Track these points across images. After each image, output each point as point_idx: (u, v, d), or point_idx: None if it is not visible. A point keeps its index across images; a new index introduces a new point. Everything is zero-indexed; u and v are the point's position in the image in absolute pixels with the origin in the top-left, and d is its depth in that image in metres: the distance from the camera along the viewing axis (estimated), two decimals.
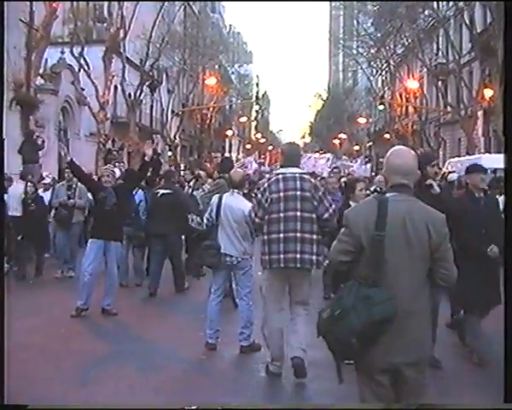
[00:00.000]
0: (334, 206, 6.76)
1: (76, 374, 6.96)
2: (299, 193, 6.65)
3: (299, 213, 6.61)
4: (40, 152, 20.87)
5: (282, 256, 6.60)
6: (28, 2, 22.66)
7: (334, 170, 19.93)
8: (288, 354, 6.75)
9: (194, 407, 4.84)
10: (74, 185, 12.81)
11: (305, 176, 6.92)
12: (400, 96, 48.92)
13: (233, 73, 69.92)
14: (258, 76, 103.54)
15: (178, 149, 49.26)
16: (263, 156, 33.91)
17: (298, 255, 6.58)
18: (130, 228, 11.37)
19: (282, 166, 7.09)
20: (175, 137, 45.93)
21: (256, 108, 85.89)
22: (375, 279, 3.81)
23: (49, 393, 6.28)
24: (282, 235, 6.62)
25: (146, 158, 10.17)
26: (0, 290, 4.19)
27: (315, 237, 6.62)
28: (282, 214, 6.66)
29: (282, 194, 6.69)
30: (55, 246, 13.69)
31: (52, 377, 6.81)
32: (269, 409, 5.71)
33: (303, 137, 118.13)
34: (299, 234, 6.60)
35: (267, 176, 7.68)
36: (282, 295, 6.93)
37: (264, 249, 6.74)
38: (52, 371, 7.02)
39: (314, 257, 6.62)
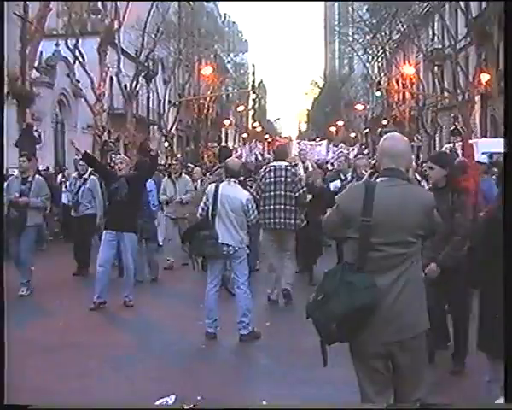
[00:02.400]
0: (304, 188, 9.83)
1: (75, 365, 7.01)
2: (283, 179, 9.59)
3: (283, 192, 9.53)
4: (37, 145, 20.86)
5: (272, 221, 9.56)
6: None
7: (340, 155, 20.19)
8: (281, 287, 9.68)
9: (190, 406, 4.89)
10: (30, 178, 10.64)
11: (289, 167, 9.86)
12: (397, 82, 48.85)
13: (229, 62, 69.85)
14: (254, 65, 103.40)
15: (175, 139, 49.22)
16: (261, 146, 33.86)
17: (283, 220, 9.56)
18: (140, 220, 11.04)
19: (274, 160, 10.16)
20: (171, 127, 45.86)
21: (253, 96, 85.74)
22: (360, 265, 3.81)
23: (44, 385, 6.32)
24: (272, 207, 9.54)
25: (152, 153, 10.86)
26: (0, 290, 4.20)
27: (293, 208, 9.56)
28: (272, 193, 9.57)
29: (272, 179, 9.62)
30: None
31: (52, 370, 6.86)
32: (269, 409, 5.74)
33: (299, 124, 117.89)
34: (283, 206, 9.53)
35: (264, 166, 10.61)
36: (276, 246, 9.90)
37: (262, 216, 9.33)
38: (50, 364, 7.07)
39: (293, 221, 9.60)
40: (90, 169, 12.04)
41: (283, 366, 6.92)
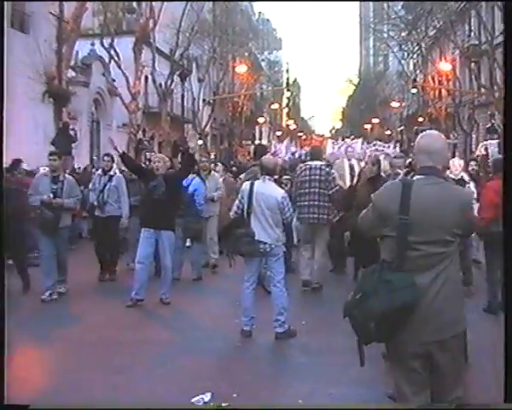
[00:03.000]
0: (337, 187, 10.51)
1: (109, 362, 7.07)
2: (317, 177, 10.34)
3: (317, 190, 10.27)
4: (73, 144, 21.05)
5: (307, 216, 10.34)
6: None
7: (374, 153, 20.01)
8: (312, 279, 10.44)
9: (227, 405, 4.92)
10: (61, 177, 10.27)
11: (323, 167, 10.55)
12: (433, 79, 48.32)
13: (263, 60, 69.88)
14: (288, 62, 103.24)
15: (209, 137, 49.38)
16: (294, 144, 33.84)
17: (316, 215, 10.30)
18: (184, 219, 11.10)
19: (310, 160, 10.93)
20: (206, 125, 46.01)
21: (287, 94, 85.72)
22: (398, 264, 3.78)
23: (84, 380, 6.39)
24: (307, 203, 10.31)
25: (190, 151, 10.74)
26: (0, 290, 4.23)
27: (327, 204, 10.30)
28: (307, 190, 10.34)
29: (307, 177, 10.38)
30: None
31: (91, 366, 6.93)
32: (270, 409, 5.73)
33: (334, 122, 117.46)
34: (317, 202, 10.27)
35: (300, 165, 11.36)
36: (310, 239, 10.62)
37: (298, 211, 10.20)
38: (89, 360, 7.14)
39: (325, 216, 10.35)
40: (115, 165, 11.95)
41: (319, 365, 6.90)
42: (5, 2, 4.22)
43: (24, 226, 10.75)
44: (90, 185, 12.32)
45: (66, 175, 10.62)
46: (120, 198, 11.59)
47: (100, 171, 12.14)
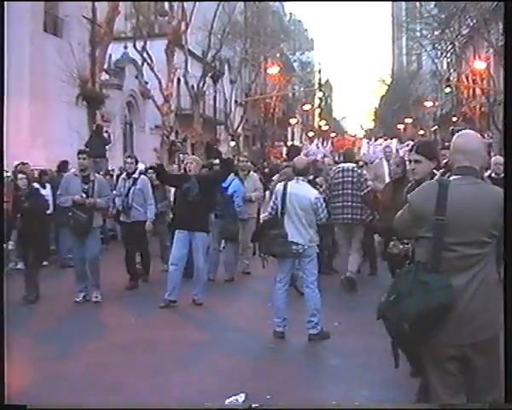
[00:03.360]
0: (369, 188, 10.72)
1: (143, 363, 7.11)
2: (350, 179, 10.67)
3: (350, 191, 10.61)
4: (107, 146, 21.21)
5: (341, 216, 10.66)
6: None
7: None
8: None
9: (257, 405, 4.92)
10: (92, 177, 10.10)
11: (355, 168, 10.95)
12: (467, 78, 47.80)
13: (295, 60, 69.85)
14: (320, 63, 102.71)
15: (241, 138, 49.46)
16: (325, 144, 33.71)
17: (350, 215, 10.64)
18: (221, 220, 11.08)
19: (343, 162, 11.34)
20: (238, 127, 46.10)
21: (319, 95, 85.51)
22: (434, 265, 3.74)
23: (117, 381, 6.43)
24: (340, 204, 10.65)
25: (224, 156, 10.67)
26: (0, 290, 4.27)
27: (359, 205, 10.62)
28: (340, 191, 10.67)
29: (340, 179, 10.70)
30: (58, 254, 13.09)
31: (118, 367, 6.98)
32: (270, 409, 5.71)
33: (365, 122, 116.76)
34: (350, 203, 10.61)
35: (333, 168, 11.71)
36: (345, 237, 11.03)
37: (333, 212, 10.27)
38: (119, 361, 7.20)
39: (359, 216, 10.65)
40: (139, 168, 11.60)
41: (352, 367, 6.86)
42: (5, 3, 4.25)
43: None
44: (116, 190, 11.84)
45: (97, 174, 10.50)
46: (146, 202, 11.18)
47: (124, 174, 11.63)
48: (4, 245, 10.34)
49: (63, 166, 14.46)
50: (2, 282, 4.43)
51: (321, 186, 10.78)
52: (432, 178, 4.90)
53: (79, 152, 10.31)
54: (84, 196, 9.83)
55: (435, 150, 5.45)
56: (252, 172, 13.04)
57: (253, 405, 5.21)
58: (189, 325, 8.91)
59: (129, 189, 11.18)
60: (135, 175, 11.28)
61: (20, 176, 10.32)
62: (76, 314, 9.43)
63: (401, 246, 5.60)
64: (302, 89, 71.61)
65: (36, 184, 13.52)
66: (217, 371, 6.74)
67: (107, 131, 21.43)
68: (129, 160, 11.60)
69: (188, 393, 6.12)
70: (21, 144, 20.29)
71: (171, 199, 12.04)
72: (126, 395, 6.10)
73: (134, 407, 5.71)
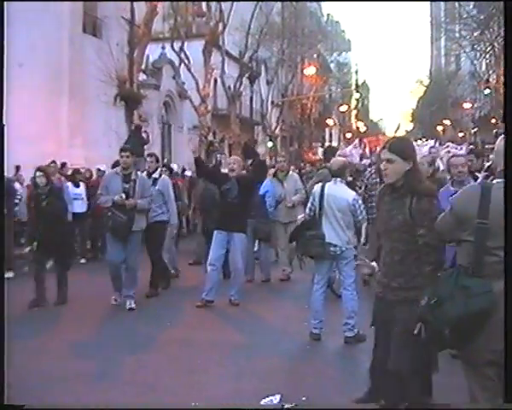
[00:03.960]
0: None
1: (179, 362, 7.12)
2: None
3: None
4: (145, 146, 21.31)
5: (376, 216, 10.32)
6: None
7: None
8: None
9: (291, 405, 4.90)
10: (133, 176, 9.62)
11: None
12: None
13: (332, 61, 69.63)
14: (357, 64, 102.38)
15: (278, 139, 49.42)
16: (362, 145, 33.47)
17: None
18: (254, 221, 10.98)
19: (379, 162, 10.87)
20: (275, 128, 46.09)
21: (356, 96, 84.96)
22: (476, 269, 3.68)
23: (155, 379, 6.44)
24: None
25: (260, 157, 10.74)
26: (0, 290, 4.27)
27: None
28: (377, 192, 9.44)
29: (378, 179, 9.75)
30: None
31: (155, 366, 7.00)
32: (303, 409, 5.65)
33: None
34: None
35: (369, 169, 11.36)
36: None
37: (370, 212, 8.85)
38: (156, 360, 7.22)
39: None
40: (159, 168, 11.21)
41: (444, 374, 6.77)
42: (5, 3, 4.28)
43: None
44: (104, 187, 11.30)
45: (139, 173, 10.00)
46: (167, 204, 10.71)
47: (144, 173, 10.85)
48: (28, 248, 10.43)
49: (117, 165, 14.54)
50: (2, 282, 4.43)
51: (360, 188, 10.70)
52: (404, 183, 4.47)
53: (122, 149, 9.88)
54: (124, 196, 9.35)
55: (411, 150, 4.62)
56: (291, 172, 12.60)
57: (286, 405, 5.19)
58: (226, 325, 8.91)
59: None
60: (155, 175, 10.81)
61: (37, 174, 9.80)
62: (110, 313, 9.49)
63: (373, 263, 5.09)
64: (339, 90, 71.35)
65: (69, 184, 13.78)
66: (252, 372, 6.72)
67: (145, 131, 21.53)
68: (149, 158, 11.04)
69: (222, 393, 6.14)
70: (60, 144, 20.54)
71: (185, 200, 11.77)
72: (161, 394, 6.11)
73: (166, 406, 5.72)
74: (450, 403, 4.30)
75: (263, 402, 5.60)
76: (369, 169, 11.47)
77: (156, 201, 10.40)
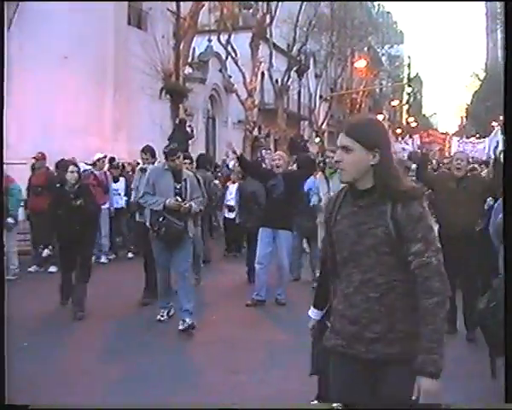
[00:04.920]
0: None
1: (228, 361, 7.13)
2: None
3: None
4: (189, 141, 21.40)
5: None
6: None
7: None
8: None
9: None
10: (185, 176, 8.44)
11: None
12: None
13: (383, 54, 68.94)
14: (409, 57, 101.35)
15: (326, 134, 49.21)
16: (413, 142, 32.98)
17: None
18: (300, 218, 10.81)
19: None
20: (323, 122, 45.91)
21: (408, 90, 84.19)
22: None
23: (204, 379, 6.45)
24: None
25: (311, 156, 10.43)
26: (0, 290, 4.28)
27: None
28: None
29: None
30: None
31: (203, 365, 7.02)
32: (271, 409, 5.57)
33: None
34: None
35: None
36: None
37: None
38: (204, 359, 7.24)
39: None
40: (156, 163, 10.26)
41: (444, 378, 6.64)
42: (5, 2, 4.30)
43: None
44: (132, 184, 10.83)
45: (188, 171, 8.96)
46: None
47: (140, 166, 10.40)
48: (45, 251, 10.31)
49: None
50: (2, 282, 4.46)
51: None
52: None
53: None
54: (179, 199, 8.20)
55: (381, 135, 3.32)
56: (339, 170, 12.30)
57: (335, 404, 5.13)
58: (272, 324, 8.89)
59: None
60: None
61: (71, 168, 8.94)
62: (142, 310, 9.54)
63: (313, 313, 4.02)
64: (390, 84, 70.67)
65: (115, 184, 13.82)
66: (299, 374, 6.65)
67: (190, 126, 21.64)
68: (144, 155, 10.35)
69: (266, 394, 6.12)
70: (104, 137, 20.76)
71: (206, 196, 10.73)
72: (204, 393, 6.12)
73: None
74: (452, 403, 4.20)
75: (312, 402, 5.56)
76: (413, 166, 11.30)
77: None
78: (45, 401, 5.69)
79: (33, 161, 13.14)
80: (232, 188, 13.75)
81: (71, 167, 9.00)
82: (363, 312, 3.21)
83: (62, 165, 10.79)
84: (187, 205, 8.19)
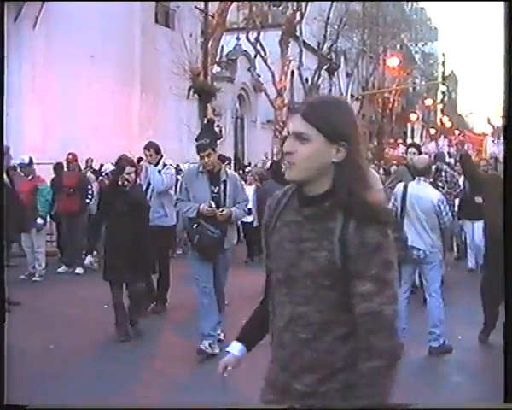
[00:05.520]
0: None
1: (256, 363, 7.09)
2: None
3: None
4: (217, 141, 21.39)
5: None
6: None
7: None
8: None
9: None
10: (224, 177, 7.51)
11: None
12: None
13: (416, 52, 68.46)
14: (444, 54, 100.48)
15: None
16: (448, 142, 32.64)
17: None
18: None
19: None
20: None
21: (442, 89, 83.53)
22: None
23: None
24: None
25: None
26: (0, 290, 4.29)
27: None
28: None
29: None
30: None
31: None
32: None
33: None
34: None
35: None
36: None
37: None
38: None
39: None
40: (163, 159, 9.74)
41: (476, 385, 6.59)
42: (5, 2, 4.33)
43: None
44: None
45: (228, 171, 8.16)
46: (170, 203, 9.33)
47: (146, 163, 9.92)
48: (88, 258, 9.82)
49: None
50: (2, 281, 4.48)
51: (443, 188, 10.45)
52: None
53: (200, 149, 7.45)
54: (213, 204, 7.32)
55: (350, 126, 2.54)
56: (372, 171, 10.72)
57: None
58: None
59: (148, 185, 9.46)
60: (158, 167, 9.48)
61: (128, 169, 8.17)
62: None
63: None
64: (424, 82, 70.21)
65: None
66: None
67: (218, 126, 21.69)
68: (147, 152, 9.68)
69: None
70: (131, 137, 20.90)
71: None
72: (235, 396, 6.09)
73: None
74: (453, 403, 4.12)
75: None
76: (444, 167, 11.24)
77: (161, 199, 9.44)
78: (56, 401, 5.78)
79: (64, 162, 13.26)
80: (248, 190, 13.53)
81: (128, 168, 8.16)
82: (292, 356, 2.52)
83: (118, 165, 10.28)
84: (224, 212, 7.30)
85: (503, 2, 3.77)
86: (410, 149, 10.77)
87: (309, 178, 2.43)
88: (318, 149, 2.41)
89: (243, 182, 9.78)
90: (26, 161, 11.61)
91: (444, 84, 75.64)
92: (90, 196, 12.74)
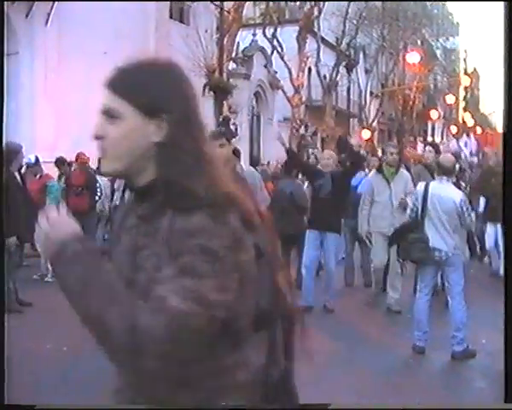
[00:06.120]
0: None
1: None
2: None
3: None
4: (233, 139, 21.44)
5: None
6: None
7: None
8: None
9: None
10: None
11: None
12: None
13: (438, 48, 68.22)
14: (466, 50, 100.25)
15: (376, 133, 48.93)
16: (471, 141, 32.36)
17: None
18: (353, 220, 10.44)
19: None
20: (373, 120, 45.66)
21: (464, 85, 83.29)
22: None
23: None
24: None
25: (354, 148, 10.00)
26: (0, 290, 4.30)
27: None
28: None
29: None
30: None
31: None
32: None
33: None
34: None
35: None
36: None
37: None
38: None
39: None
40: None
41: (501, 392, 6.55)
42: (5, 3, 4.35)
43: None
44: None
45: (245, 168, 8.66)
46: None
47: None
48: None
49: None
50: (2, 281, 4.49)
51: (465, 188, 10.42)
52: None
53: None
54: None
55: (173, 93, 2.00)
56: (402, 170, 10.25)
57: None
58: (319, 332, 8.82)
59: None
60: None
61: None
62: None
63: None
64: (445, 79, 69.93)
65: None
66: (348, 385, 6.63)
67: (234, 123, 21.73)
68: None
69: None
70: None
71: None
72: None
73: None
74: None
75: None
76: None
77: None
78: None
79: (74, 163, 13.31)
80: None
81: None
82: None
83: None
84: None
85: None
86: (427, 148, 10.75)
87: (129, 167, 1.95)
88: (133, 128, 1.93)
89: None
90: (33, 160, 11.78)
91: (466, 80, 75.52)
92: (98, 194, 12.79)
